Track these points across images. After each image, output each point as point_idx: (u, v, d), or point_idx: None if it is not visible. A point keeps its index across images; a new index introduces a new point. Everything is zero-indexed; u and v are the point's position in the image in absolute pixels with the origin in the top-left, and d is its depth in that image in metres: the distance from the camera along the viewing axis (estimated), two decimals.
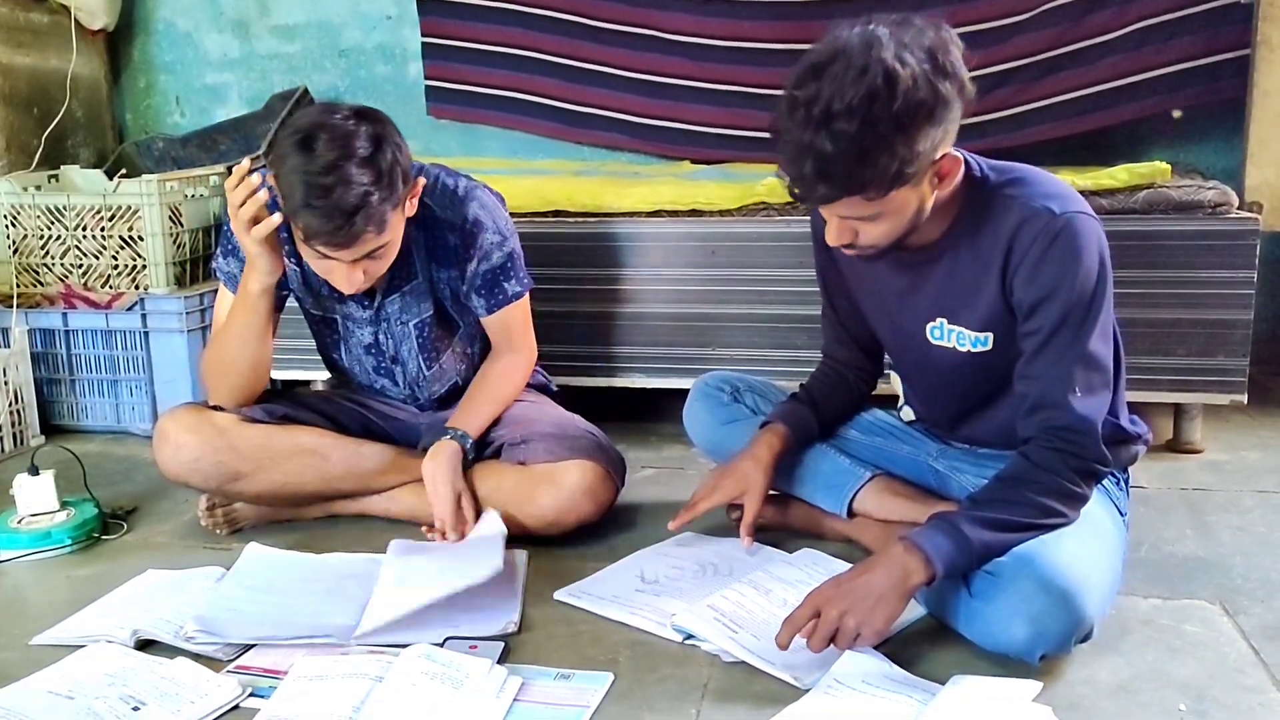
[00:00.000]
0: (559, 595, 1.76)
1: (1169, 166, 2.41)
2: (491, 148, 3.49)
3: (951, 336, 1.68)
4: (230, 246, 2.03)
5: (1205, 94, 2.80)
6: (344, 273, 1.83)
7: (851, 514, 1.90)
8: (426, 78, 3.41)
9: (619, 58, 3.19)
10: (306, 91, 3.41)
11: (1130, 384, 1.79)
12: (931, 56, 1.40)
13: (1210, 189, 2.35)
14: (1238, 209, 2.36)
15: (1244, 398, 2.39)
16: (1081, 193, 2.35)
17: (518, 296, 2.05)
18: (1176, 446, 2.48)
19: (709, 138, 3.17)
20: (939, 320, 1.68)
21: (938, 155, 1.46)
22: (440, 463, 1.94)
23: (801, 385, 1.98)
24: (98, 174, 3.13)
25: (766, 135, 2.93)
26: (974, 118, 2.91)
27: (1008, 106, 2.90)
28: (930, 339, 1.71)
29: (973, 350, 1.66)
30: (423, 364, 2.11)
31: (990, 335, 1.64)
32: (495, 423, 2.08)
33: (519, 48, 3.29)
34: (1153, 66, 2.79)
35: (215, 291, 2.11)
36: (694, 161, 3.20)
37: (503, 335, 2.10)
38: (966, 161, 1.58)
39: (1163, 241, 2.36)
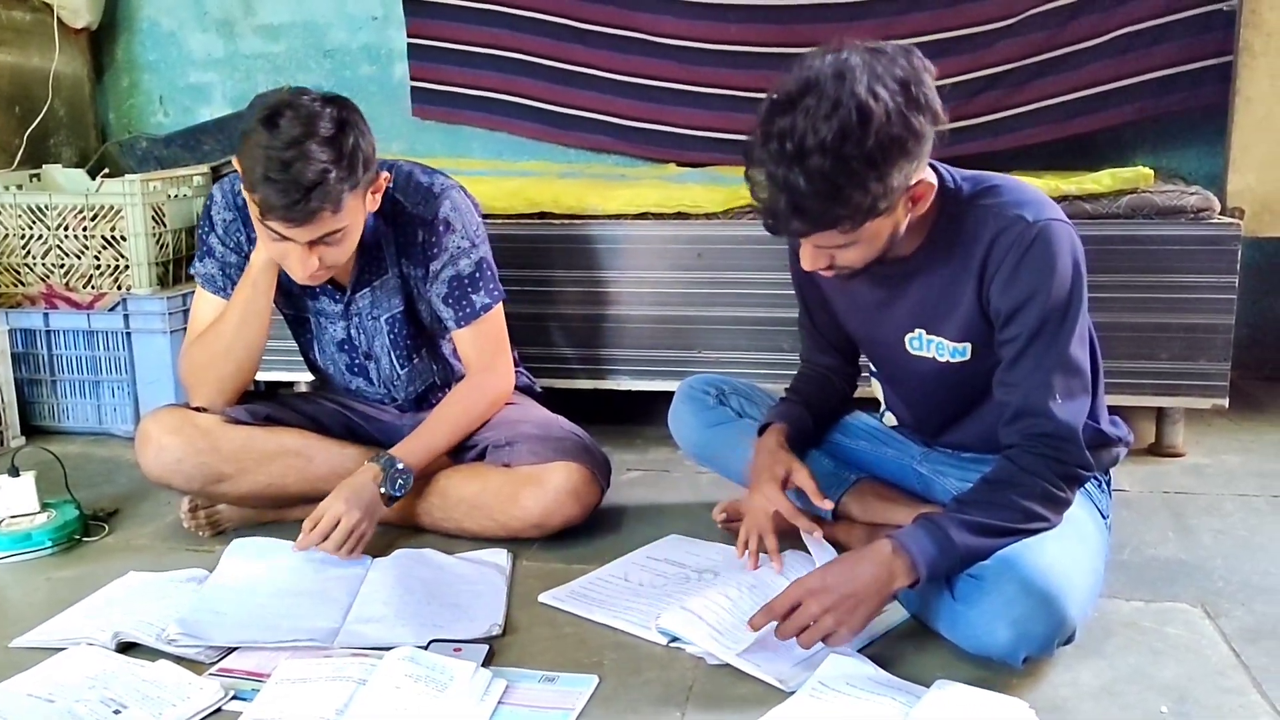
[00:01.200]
0: (544, 598, 1.76)
1: (1152, 172, 2.43)
2: (476, 149, 3.48)
3: (930, 347, 1.68)
4: (206, 248, 2.02)
5: (1188, 100, 2.82)
6: (299, 256, 1.83)
7: (837, 517, 1.90)
8: (412, 78, 3.40)
9: (605, 60, 3.19)
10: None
11: (1113, 388, 1.80)
12: (905, 88, 1.40)
13: (1193, 194, 2.37)
14: (1220, 214, 2.37)
15: (1225, 402, 2.41)
16: (1066, 198, 2.39)
17: (487, 309, 2.03)
18: (1158, 450, 2.49)
19: (694, 140, 3.17)
20: (918, 331, 1.69)
21: (911, 184, 1.46)
22: (345, 490, 1.87)
23: (789, 389, 1.98)
24: (80, 174, 3.11)
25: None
26: (961, 121, 2.93)
27: (994, 111, 2.91)
28: (910, 349, 1.71)
29: (951, 360, 1.67)
30: (395, 361, 2.10)
31: (969, 345, 1.65)
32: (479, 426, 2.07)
33: (504, 49, 3.28)
34: (1137, 72, 2.81)
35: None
36: (680, 164, 3.20)
37: (473, 351, 2.06)
38: (939, 173, 1.59)
39: (1146, 246, 2.37)
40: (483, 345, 2.05)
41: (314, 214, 1.76)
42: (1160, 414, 2.49)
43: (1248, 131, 2.53)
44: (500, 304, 2.06)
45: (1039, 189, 1.63)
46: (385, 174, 1.92)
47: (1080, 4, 2.79)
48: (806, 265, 1.57)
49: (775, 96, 1.43)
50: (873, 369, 1.91)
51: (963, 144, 2.93)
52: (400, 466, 1.91)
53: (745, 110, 3.14)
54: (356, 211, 1.85)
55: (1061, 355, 1.52)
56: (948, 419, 1.81)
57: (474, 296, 2.01)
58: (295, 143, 1.72)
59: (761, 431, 1.88)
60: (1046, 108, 2.88)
